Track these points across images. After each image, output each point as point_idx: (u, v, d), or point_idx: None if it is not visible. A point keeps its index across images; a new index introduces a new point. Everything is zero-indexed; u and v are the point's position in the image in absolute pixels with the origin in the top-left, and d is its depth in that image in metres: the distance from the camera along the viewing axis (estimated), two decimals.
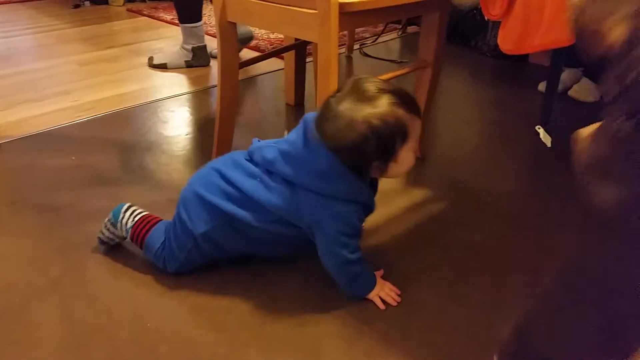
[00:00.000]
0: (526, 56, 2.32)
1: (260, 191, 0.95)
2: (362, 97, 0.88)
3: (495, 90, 2.12)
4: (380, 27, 2.91)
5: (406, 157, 0.93)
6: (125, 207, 1.11)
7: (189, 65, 2.28)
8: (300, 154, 0.94)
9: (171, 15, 3.16)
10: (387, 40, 2.79)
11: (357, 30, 2.90)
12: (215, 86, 2.05)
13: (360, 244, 0.99)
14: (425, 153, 1.55)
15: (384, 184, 1.17)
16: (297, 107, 1.90)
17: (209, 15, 3.11)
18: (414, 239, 1.19)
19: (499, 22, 2.38)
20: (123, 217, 1.09)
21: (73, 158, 1.51)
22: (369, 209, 0.99)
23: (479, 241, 1.17)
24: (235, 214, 0.96)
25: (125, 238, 1.10)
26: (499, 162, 1.53)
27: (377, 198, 1.01)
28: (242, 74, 2.21)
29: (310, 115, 0.96)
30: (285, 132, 1.64)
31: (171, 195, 1.32)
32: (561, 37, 0.96)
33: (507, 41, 1.06)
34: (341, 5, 1.09)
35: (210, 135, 1.60)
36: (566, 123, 1.81)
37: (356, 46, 2.64)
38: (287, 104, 1.92)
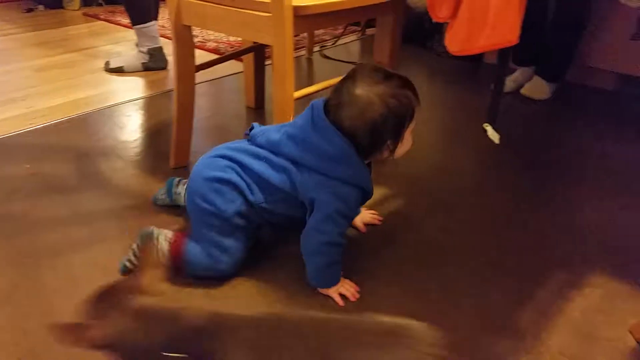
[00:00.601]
0: (481, 56, 2.38)
1: (268, 170, 1.00)
2: (374, 80, 0.94)
3: (451, 89, 2.17)
4: (340, 30, 2.94)
5: (408, 137, 1.01)
6: (150, 233, 1.05)
7: (146, 67, 2.26)
8: (308, 137, 0.97)
9: (128, 19, 3.11)
10: (347, 42, 2.82)
11: (317, 32, 2.92)
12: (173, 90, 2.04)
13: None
14: None
15: None
16: (257, 109, 1.90)
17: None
18: (371, 235, 1.21)
19: None
20: (156, 243, 1.03)
21: (27, 166, 1.48)
22: (367, 194, 1.02)
23: (436, 236, 1.20)
24: (254, 190, 1.01)
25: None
26: (454, 159, 1.57)
27: None
28: (202, 77, 2.22)
29: (317, 101, 1.00)
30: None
31: (128, 201, 1.31)
32: (504, 38, 1.00)
33: (453, 43, 1.10)
34: (295, 8, 1.11)
35: (168, 140, 1.59)
36: (518, 120, 1.87)
37: (316, 48, 2.66)
38: (247, 107, 1.92)
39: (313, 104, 1.00)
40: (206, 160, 1.06)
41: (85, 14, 3.31)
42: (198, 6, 1.26)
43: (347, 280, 1.05)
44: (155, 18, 2.25)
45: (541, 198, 1.38)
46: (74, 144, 1.61)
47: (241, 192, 1.01)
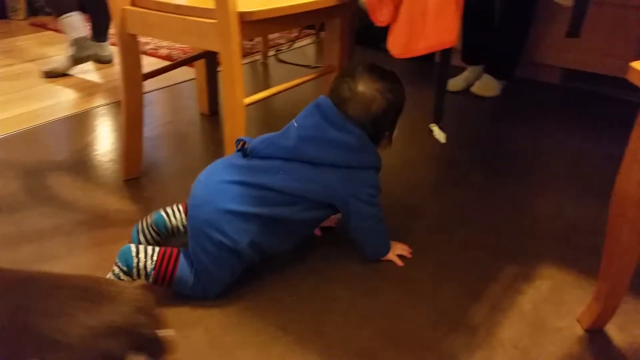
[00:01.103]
0: (432, 56, 2.42)
1: (292, 183, 1.00)
2: (373, 77, 1.04)
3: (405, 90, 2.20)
4: (295, 33, 2.94)
5: (396, 129, 1.11)
6: (133, 249, 0.98)
7: (76, 60, 2.25)
8: (327, 134, 1.01)
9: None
10: (302, 46, 2.82)
11: (272, 36, 2.92)
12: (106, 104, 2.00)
13: None
14: None
15: None
16: (212, 116, 1.88)
17: None
18: (327, 234, 1.21)
19: None
20: (139, 261, 0.97)
21: None
22: (379, 172, 1.11)
23: (390, 235, 1.21)
24: (275, 214, 1.00)
25: (146, 278, 0.98)
26: (405, 160, 1.59)
27: None
28: (155, 84, 2.19)
29: (323, 99, 1.04)
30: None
31: (78, 217, 1.28)
32: (442, 40, 1.02)
33: (395, 46, 1.11)
34: (241, 14, 1.10)
35: (117, 151, 1.56)
36: (468, 118, 1.91)
37: (272, 52, 2.66)
38: (201, 114, 1.90)
39: (319, 102, 1.04)
40: (217, 186, 0.99)
41: (32, 24, 3.21)
42: (142, 14, 1.23)
43: (396, 243, 1.16)
44: (77, 9, 2.24)
45: (491, 193, 1.40)
46: (19, 159, 1.56)
47: (260, 222, 0.99)
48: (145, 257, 0.98)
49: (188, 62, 1.59)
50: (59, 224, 1.25)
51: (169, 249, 1.00)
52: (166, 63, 2.48)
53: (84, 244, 1.18)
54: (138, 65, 1.34)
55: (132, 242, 1.06)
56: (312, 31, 3.01)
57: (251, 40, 2.84)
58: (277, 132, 1.06)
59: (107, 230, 1.23)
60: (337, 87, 1.04)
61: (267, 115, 1.93)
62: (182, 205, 1.14)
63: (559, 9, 2.01)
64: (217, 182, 1.00)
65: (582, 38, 1.98)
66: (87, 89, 2.13)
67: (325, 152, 1.00)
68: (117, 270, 0.98)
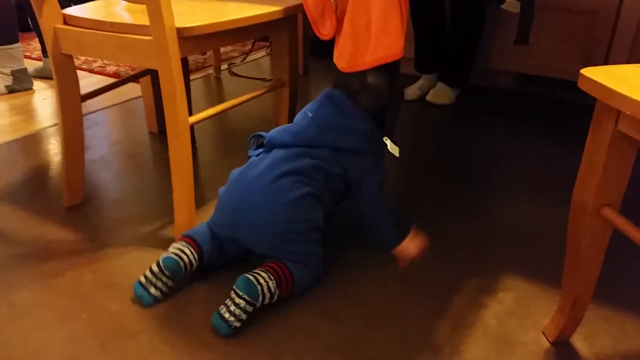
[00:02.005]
0: None
1: (321, 164, 1.06)
2: (381, 68, 1.09)
3: None
4: (249, 46, 2.88)
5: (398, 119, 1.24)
6: (252, 278, 0.95)
7: (10, 90, 2.19)
8: (343, 123, 1.08)
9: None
10: (257, 58, 2.77)
11: (224, 49, 2.86)
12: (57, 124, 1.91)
13: None
14: None
15: None
16: (161, 134, 1.81)
17: None
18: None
19: None
20: (262, 287, 0.95)
21: None
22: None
23: (342, 255, 1.17)
24: (320, 188, 1.06)
25: (270, 299, 0.97)
26: None
27: None
28: (100, 103, 2.10)
29: (334, 91, 1.11)
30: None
31: (15, 250, 1.19)
32: (388, 52, 0.99)
33: (341, 60, 1.08)
34: (179, 30, 1.04)
35: (55, 177, 1.48)
36: (424, 127, 1.89)
37: (225, 66, 2.59)
38: (150, 132, 1.82)
39: (330, 94, 1.11)
40: (269, 188, 1.02)
41: None
42: (76, 33, 1.16)
43: (413, 235, 1.11)
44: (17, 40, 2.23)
45: (450, 202, 1.38)
46: None
47: (319, 198, 1.06)
48: (267, 279, 0.96)
49: (131, 79, 1.52)
50: None
51: (271, 265, 0.99)
52: (112, 80, 2.40)
53: (21, 280, 1.09)
54: (75, 86, 1.26)
55: (144, 302, 1.01)
56: (266, 43, 2.97)
57: (204, 54, 2.78)
58: (291, 124, 1.13)
59: (47, 262, 1.15)
60: (347, 81, 1.11)
61: (221, 129, 1.86)
62: (185, 239, 1.06)
63: (509, 15, 2.02)
64: (266, 185, 1.02)
65: (534, 43, 2.00)
66: (28, 112, 2.02)
67: (342, 139, 1.07)
68: (239, 300, 0.94)
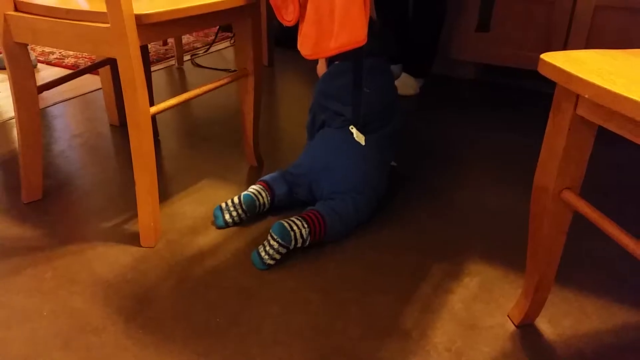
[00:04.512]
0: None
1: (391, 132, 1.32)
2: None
3: None
4: (211, 37, 2.84)
5: None
6: (286, 224, 1.08)
7: None
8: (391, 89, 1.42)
9: None
10: (220, 49, 2.73)
11: (187, 40, 2.80)
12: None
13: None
14: (261, 160, 1.52)
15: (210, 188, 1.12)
16: (123, 127, 1.76)
17: None
18: (240, 241, 1.14)
19: None
20: (295, 233, 1.08)
21: None
22: None
23: (322, 244, 1.16)
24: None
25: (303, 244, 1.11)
26: None
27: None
28: (59, 96, 2.03)
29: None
30: None
31: None
32: (352, 38, 0.98)
33: (304, 47, 1.06)
34: (138, 16, 1.01)
35: (12, 172, 1.43)
36: None
37: (187, 57, 2.55)
38: (111, 125, 1.77)
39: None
40: (355, 146, 1.23)
41: None
42: (29, 20, 1.11)
43: None
44: None
45: (414, 190, 1.39)
46: None
47: (386, 166, 1.32)
48: (298, 224, 1.09)
49: (89, 70, 1.47)
50: None
51: (307, 214, 1.13)
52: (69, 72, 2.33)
53: None
54: (30, 76, 1.21)
55: (216, 223, 1.22)
56: (230, 34, 2.93)
57: (165, 44, 2.72)
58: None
59: (5, 260, 1.11)
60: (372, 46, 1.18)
61: (184, 121, 1.83)
62: (260, 184, 1.24)
63: (470, 4, 2.05)
64: (354, 144, 1.24)
65: (495, 32, 2.02)
66: None
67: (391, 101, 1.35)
68: (275, 244, 1.08)
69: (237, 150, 1.61)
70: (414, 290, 1.03)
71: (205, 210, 1.28)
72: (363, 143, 1.19)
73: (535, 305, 0.92)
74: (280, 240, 1.07)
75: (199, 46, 2.73)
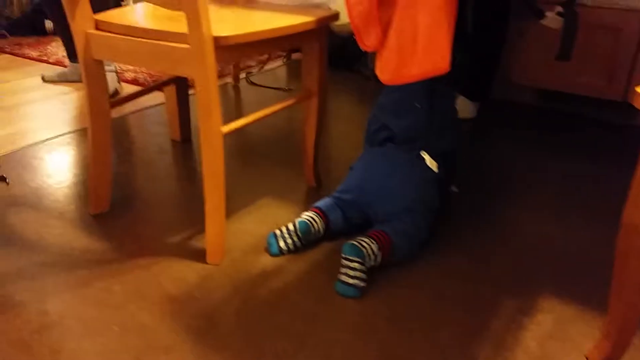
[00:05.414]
0: None
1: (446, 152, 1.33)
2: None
3: None
4: (265, 56, 2.88)
5: None
6: (355, 243, 1.08)
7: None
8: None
9: (38, 52, 2.91)
10: (273, 68, 2.76)
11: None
12: (77, 130, 1.90)
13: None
14: (319, 180, 1.52)
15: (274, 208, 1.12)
16: (184, 142, 1.80)
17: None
18: (302, 263, 1.13)
19: None
20: (366, 249, 1.07)
21: None
22: None
23: (388, 269, 1.15)
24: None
25: (375, 261, 1.10)
26: None
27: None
28: (121, 110, 2.08)
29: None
30: None
31: (43, 258, 1.17)
32: (436, 66, 0.97)
33: (384, 72, 1.05)
34: (216, 39, 1.03)
35: (84, 183, 1.47)
36: None
37: (242, 75, 2.59)
38: (172, 140, 1.81)
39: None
40: (408, 165, 1.22)
41: None
42: (108, 39, 1.15)
43: None
44: None
45: (477, 218, 1.36)
46: None
47: (440, 183, 1.27)
48: (369, 242, 1.09)
49: (158, 87, 1.51)
50: (21, 266, 1.14)
51: (372, 232, 1.12)
52: (132, 87, 2.39)
53: (51, 289, 1.07)
54: (105, 92, 1.25)
55: (271, 251, 1.19)
56: (282, 53, 2.96)
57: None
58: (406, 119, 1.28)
59: (75, 272, 1.13)
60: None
61: (238, 137, 1.85)
62: (314, 210, 1.22)
63: (533, 26, 2.01)
64: (407, 162, 1.24)
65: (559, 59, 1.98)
66: (50, 116, 2.01)
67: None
68: (354, 264, 1.06)
69: (293, 169, 1.61)
70: (485, 324, 1.00)
71: (266, 229, 1.28)
72: (436, 170, 1.17)
73: (618, 348, 0.88)
74: (356, 258, 1.06)
75: (253, 65, 2.77)
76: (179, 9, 0.99)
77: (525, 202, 1.44)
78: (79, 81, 2.32)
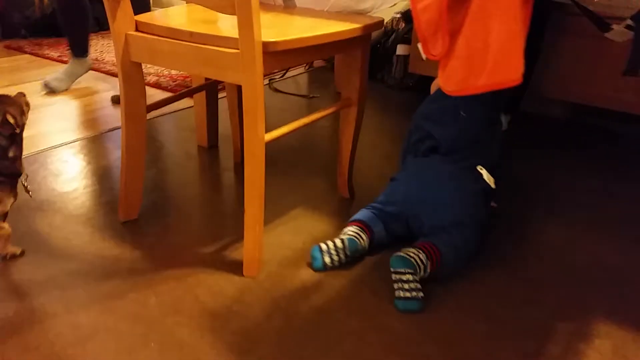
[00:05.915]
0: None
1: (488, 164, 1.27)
2: None
3: (407, 122, 2.11)
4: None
5: None
6: (403, 254, 1.06)
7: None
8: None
9: (58, 52, 2.89)
10: (295, 75, 2.73)
11: None
12: (114, 129, 1.86)
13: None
14: (353, 192, 1.48)
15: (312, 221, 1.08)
16: (211, 149, 1.76)
17: (101, 52, 2.90)
18: (343, 279, 1.09)
19: (406, 55, 2.40)
20: (415, 259, 1.05)
21: None
22: None
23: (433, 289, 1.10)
24: None
25: (425, 272, 1.07)
26: None
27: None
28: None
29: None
30: None
31: (73, 266, 1.13)
32: (508, 77, 0.92)
33: (449, 82, 1.01)
34: (265, 44, 0.99)
35: (113, 188, 1.42)
36: None
37: (265, 81, 2.55)
38: (199, 146, 1.77)
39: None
40: (455, 175, 1.18)
41: (7, 47, 3.04)
42: (150, 41, 1.11)
43: None
44: None
45: (517, 233, 1.31)
46: None
47: (487, 196, 1.23)
48: (417, 253, 1.06)
49: (191, 93, 1.47)
50: (51, 274, 1.10)
51: (419, 244, 1.10)
52: (154, 90, 2.36)
53: (82, 300, 1.03)
54: (142, 96, 1.21)
55: (314, 265, 1.14)
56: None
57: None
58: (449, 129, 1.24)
59: (106, 282, 1.09)
60: None
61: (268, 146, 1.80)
62: (357, 225, 1.18)
63: (567, 39, 1.97)
64: (454, 173, 1.20)
65: (588, 72, 1.94)
66: (74, 118, 1.98)
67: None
68: (406, 277, 1.03)
69: (324, 179, 1.57)
70: (542, 350, 0.95)
71: (302, 241, 1.24)
72: (493, 186, 1.13)
73: None
74: (407, 270, 1.03)
75: (275, 71, 2.73)
76: (232, 13, 0.95)
77: (569, 220, 1.39)
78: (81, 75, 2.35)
